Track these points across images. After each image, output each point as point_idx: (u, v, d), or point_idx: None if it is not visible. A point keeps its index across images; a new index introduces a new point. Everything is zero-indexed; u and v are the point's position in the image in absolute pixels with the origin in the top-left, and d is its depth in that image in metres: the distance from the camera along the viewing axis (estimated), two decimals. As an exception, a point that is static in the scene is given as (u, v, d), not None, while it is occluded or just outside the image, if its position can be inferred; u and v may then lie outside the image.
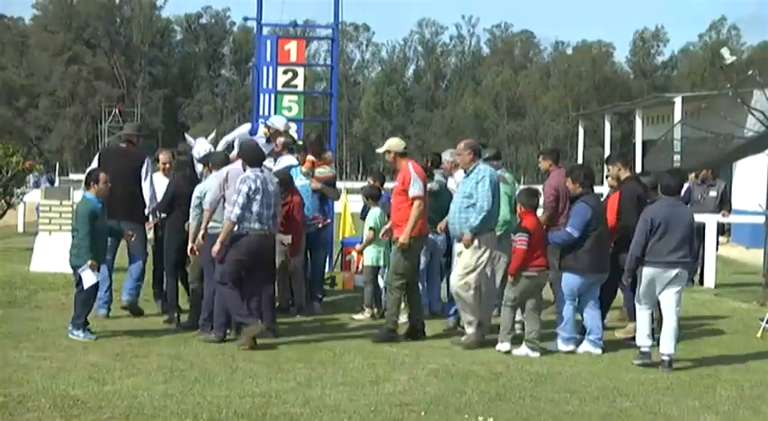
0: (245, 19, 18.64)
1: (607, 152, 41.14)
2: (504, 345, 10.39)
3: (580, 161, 46.32)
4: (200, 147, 12.39)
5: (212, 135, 13.22)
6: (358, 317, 12.40)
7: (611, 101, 74.75)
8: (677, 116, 28.88)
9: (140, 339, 10.62)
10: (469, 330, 10.69)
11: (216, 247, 10.27)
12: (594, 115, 52.77)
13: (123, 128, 13.25)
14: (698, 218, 15.42)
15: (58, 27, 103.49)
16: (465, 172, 11.01)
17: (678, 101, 30.40)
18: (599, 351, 10.53)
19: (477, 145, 11.21)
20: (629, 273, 10.19)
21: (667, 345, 9.81)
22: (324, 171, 13.03)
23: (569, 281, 10.64)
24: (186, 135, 13.47)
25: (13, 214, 23.48)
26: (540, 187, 12.48)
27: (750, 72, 16.99)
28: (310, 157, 13.06)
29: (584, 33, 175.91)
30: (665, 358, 9.77)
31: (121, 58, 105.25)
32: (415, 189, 10.71)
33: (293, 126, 16.25)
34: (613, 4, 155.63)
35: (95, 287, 10.61)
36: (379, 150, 11.47)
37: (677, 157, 26.42)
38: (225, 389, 8.28)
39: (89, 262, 10.47)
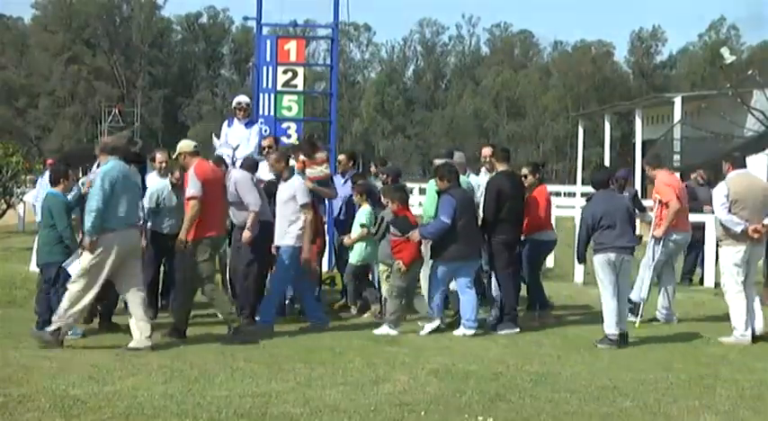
0: (245, 19, 18.65)
1: (607, 152, 41.20)
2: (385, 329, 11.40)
3: (580, 161, 46.37)
4: (225, 152, 12.71)
5: (222, 140, 13.95)
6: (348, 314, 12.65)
7: (610, 101, 74.74)
8: (677, 116, 28.94)
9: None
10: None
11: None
12: (594, 115, 52.86)
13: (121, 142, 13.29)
14: (698, 218, 15.48)
15: (57, 27, 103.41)
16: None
17: (678, 100, 30.47)
18: (471, 332, 11.28)
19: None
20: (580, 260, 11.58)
21: (609, 324, 10.80)
22: (313, 171, 13.05)
23: (439, 269, 11.45)
24: (213, 136, 13.60)
25: (12, 214, 23.52)
26: None
27: (750, 72, 17.04)
28: (302, 158, 13.11)
29: (583, 33, 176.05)
30: (611, 336, 10.75)
31: (121, 57, 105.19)
32: (191, 189, 10.74)
33: (293, 126, 16.32)
34: (612, 3, 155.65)
35: None
36: (174, 156, 11.58)
37: (677, 157, 26.41)
38: (225, 389, 8.29)
39: (79, 251, 10.51)
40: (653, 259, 12.33)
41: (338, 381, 8.67)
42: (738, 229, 11.22)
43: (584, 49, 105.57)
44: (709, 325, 12.49)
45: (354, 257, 12.67)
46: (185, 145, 11.29)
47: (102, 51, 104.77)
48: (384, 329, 11.43)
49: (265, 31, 17.87)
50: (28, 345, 10.08)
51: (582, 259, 11.51)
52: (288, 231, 11.53)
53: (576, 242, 11.47)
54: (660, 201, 12.34)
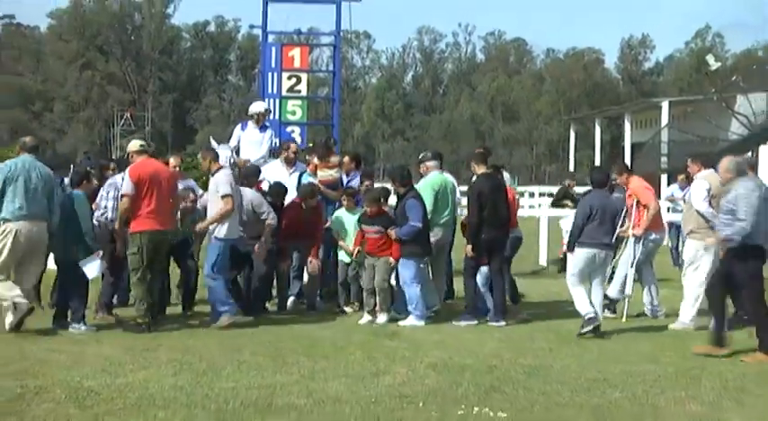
0: (252, 27, 18.77)
1: (598, 154, 41.24)
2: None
3: (572, 163, 46.37)
4: (223, 153, 12.66)
5: (234, 143, 13.92)
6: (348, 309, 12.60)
7: (601, 105, 74.73)
8: (664, 120, 28.94)
9: (150, 333, 10.64)
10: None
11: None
12: (585, 119, 52.90)
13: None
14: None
15: (72, 35, 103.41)
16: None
17: (665, 105, 30.49)
18: (422, 323, 11.60)
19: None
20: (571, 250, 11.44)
21: (582, 305, 11.06)
22: (324, 174, 13.08)
23: (411, 266, 11.74)
24: (211, 139, 13.60)
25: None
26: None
27: (734, 78, 17.07)
28: (315, 160, 13.15)
29: (574, 40, 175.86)
30: (588, 315, 10.98)
31: (132, 64, 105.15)
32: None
33: (297, 129, 16.35)
34: (601, 12, 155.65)
35: (87, 281, 10.71)
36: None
37: (664, 159, 26.44)
38: (232, 380, 8.30)
39: (101, 252, 10.57)
40: (633, 257, 12.38)
41: (340, 374, 8.68)
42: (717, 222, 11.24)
43: (575, 56, 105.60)
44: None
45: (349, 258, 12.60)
46: (132, 144, 11.50)
47: (114, 58, 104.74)
48: (383, 318, 11.70)
49: (271, 38, 17.94)
50: (44, 339, 10.09)
51: (572, 248, 11.49)
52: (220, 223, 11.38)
53: (570, 232, 11.57)
54: (638, 203, 12.43)
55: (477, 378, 8.63)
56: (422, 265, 12.03)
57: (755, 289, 10.05)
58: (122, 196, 10.92)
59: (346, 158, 13.73)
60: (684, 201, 13.64)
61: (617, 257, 12.51)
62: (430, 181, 12.36)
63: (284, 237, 12.32)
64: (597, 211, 11.20)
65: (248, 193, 11.90)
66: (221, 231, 11.26)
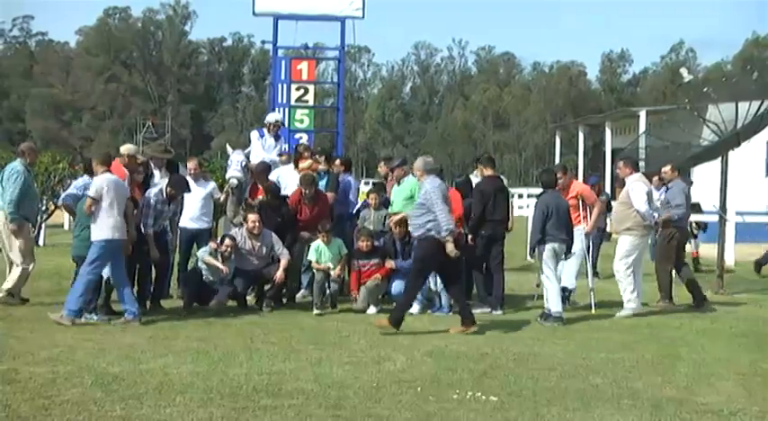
0: (263, 42, 18.78)
1: (581, 159, 41.19)
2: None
3: (557, 167, 46.27)
4: (237, 157, 12.64)
5: (249, 148, 13.81)
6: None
7: (583, 114, 74.57)
8: (642, 127, 28.88)
9: (170, 324, 10.64)
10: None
11: None
12: (569, 126, 52.77)
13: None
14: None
15: (98, 50, 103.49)
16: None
17: (642, 114, 30.40)
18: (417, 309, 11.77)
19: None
20: (533, 250, 11.63)
21: (556, 304, 11.20)
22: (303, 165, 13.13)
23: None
24: (228, 145, 13.58)
25: (59, 213, 23.47)
26: None
27: (705, 89, 17.02)
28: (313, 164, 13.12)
29: (558, 54, 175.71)
30: (557, 314, 11.15)
31: (154, 77, 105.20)
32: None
33: (305, 136, 16.30)
34: (584, 29, 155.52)
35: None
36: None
37: (642, 164, 26.37)
38: (245, 367, 8.28)
39: None
40: (585, 251, 12.65)
41: (344, 361, 8.66)
42: (652, 222, 12.17)
43: (560, 69, 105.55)
44: (670, 311, 12.49)
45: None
46: (125, 148, 11.71)
47: (137, 71, 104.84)
48: (373, 309, 11.85)
49: (281, 53, 17.94)
50: (72, 328, 10.07)
51: (534, 247, 11.57)
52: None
53: (532, 231, 11.57)
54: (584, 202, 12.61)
55: (471, 365, 8.62)
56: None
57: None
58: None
59: (338, 161, 13.72)
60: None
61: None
62: (409, 184, 12.34)
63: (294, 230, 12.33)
64: (553, 211, 11.29)
65: (267, 235, 11.93)
66: (96, 233, 10.51)
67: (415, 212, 10.47)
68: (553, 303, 11.22)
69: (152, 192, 11.51)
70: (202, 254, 11.80)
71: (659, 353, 9.40)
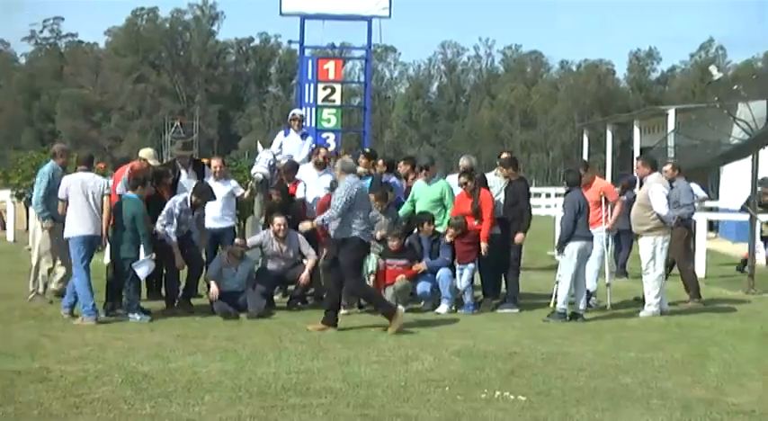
0: (290, 42, 18.90)
1: (609, 158, 41.00)
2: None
3: (584, 166, 46.06)
4: (265, 156, 12.67)
5: (276, 148, 13.72)
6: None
7: (611, 112, 74.18)
8: (671, 126, 28.66)
9: (198, 322, 10.70)
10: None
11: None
12: (597, 125, 52.50)
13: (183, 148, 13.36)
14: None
15: (127, 51, 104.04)
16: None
17: (671, 112, 30.16)
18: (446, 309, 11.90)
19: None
20: (563, 246, 11.33)
21: (564, 300, 11.25)
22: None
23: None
24: (258, 144, 13.61)
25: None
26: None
27: (735, 87, 16.88)
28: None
29: (586, 53, 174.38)
30: (561, 310, 11.24)
31: (182, 77, 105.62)
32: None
33: (332, 136, 16.32)
34: (612, 27, 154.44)
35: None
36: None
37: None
38: (273, 366, 8.31)
39: (153, 254, 10.61)
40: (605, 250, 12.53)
41: (372, 360, 8.67)
42: (673, 223, 12.18)
43: (588, 67, 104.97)
44: (699, 311, 12.40)
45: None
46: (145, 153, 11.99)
47: (165, 71, 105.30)
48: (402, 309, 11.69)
49: (307, 52, 17.98)
50: (103, 327, 10.15)
51: (564, 244, 11.39)
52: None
53: (564, 228, 11.44)
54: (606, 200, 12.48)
55: (499, 364, 8.60)
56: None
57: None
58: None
59: (380, 162, 13.67)
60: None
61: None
62: (440, 186, 12.50)
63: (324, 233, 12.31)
64: (582, 207, 11.39)
65: (294, 237, 11.93)
66: (68, 230, 10.87)
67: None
68: (562, 300, 11.29)
69: (177, 200, 11.51)
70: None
71: (689, 353, 9.34)
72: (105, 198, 10.91)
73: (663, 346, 9.69)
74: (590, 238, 11.46)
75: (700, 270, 16.12)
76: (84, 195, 10.77)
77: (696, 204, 17.11)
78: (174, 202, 11.49)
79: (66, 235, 10.88)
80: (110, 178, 12.45)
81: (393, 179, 13.46)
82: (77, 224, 10.76)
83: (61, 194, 10.93)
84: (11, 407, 6.80)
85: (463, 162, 12.85)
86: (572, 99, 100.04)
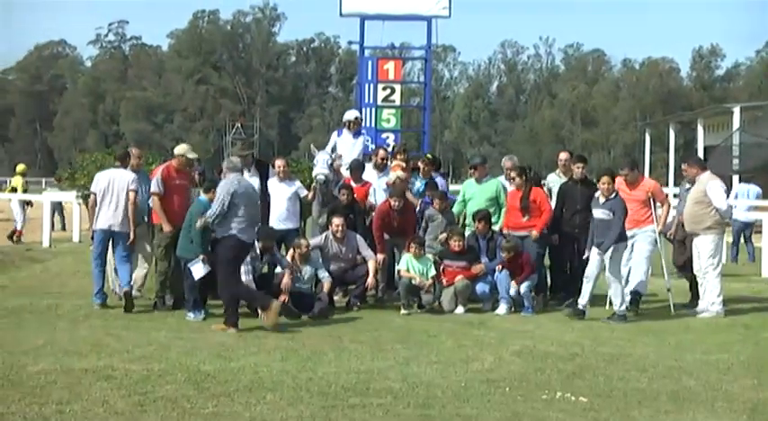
0: (350, 43, 18.89)
1: (672, 157, 40.49)
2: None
3: (647, 165, 45.54)
4: (322, 157, 12.71)
5: (329, 148, 13.79)
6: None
7: (674, 111, 73.23)
8: (735, 124, 28.23)
9: (260, 322, 10.75)
10: None
11: None
12: (660, 124, 51.88)
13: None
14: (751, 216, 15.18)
15: (189, 53, 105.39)
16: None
17: (737, 110, 29.70)
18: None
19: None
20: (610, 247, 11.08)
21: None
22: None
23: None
24: (312, 146, 13.67)
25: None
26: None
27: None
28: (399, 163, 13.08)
29: (649, 51, 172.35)
30: (582, 306, 11.23)
31: (243, 78, 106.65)
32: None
33: (391, 136, 16.34)
34: (674, 24, 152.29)
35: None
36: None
37: (736, 161, 25.79)
38: (333, 366, 8.34)
39: (201, 256, 10.64)
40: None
41: (432, 360, 8.66)
42: (730, 219, 12.41)
43: (650, 65, 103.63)
44: (765, 312, 12.16)
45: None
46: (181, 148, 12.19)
47: (226, 73, 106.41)
48: (461, 309, 11.80)
49: (367, 53, 17.99)
50: (166, 327, 10.27)
51: (612, 245, 11.20)
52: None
53: (614, 229, 11.14)
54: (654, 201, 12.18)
55: (560, 365, 8.54)
56: None
57: None
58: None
59: (424, 161, 13.64)
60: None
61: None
62: (494, 184, 12.67)
63: (380, 234, 12.32)
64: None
65: (352, 238, 12.02)
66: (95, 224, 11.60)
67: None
68: (585, 295, 11.20)
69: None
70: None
71: (755, 355, 9.17)
72: (131, 193, 11.44)
73: (728, 348, 9.52)
74: (625, 239, 11.37)
75: (766, 270, 15.87)
76: (110, 192, 11.45)
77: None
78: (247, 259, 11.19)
79: (92, 227, 11.60)
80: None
81: (439, 178, 13.50)
82: (101, 219, 11.49)
83: (93, 189, 11.66)
84: (78, 405, 6.92)
85: (506, 162, 13.01)
86: (634, 97, 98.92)
